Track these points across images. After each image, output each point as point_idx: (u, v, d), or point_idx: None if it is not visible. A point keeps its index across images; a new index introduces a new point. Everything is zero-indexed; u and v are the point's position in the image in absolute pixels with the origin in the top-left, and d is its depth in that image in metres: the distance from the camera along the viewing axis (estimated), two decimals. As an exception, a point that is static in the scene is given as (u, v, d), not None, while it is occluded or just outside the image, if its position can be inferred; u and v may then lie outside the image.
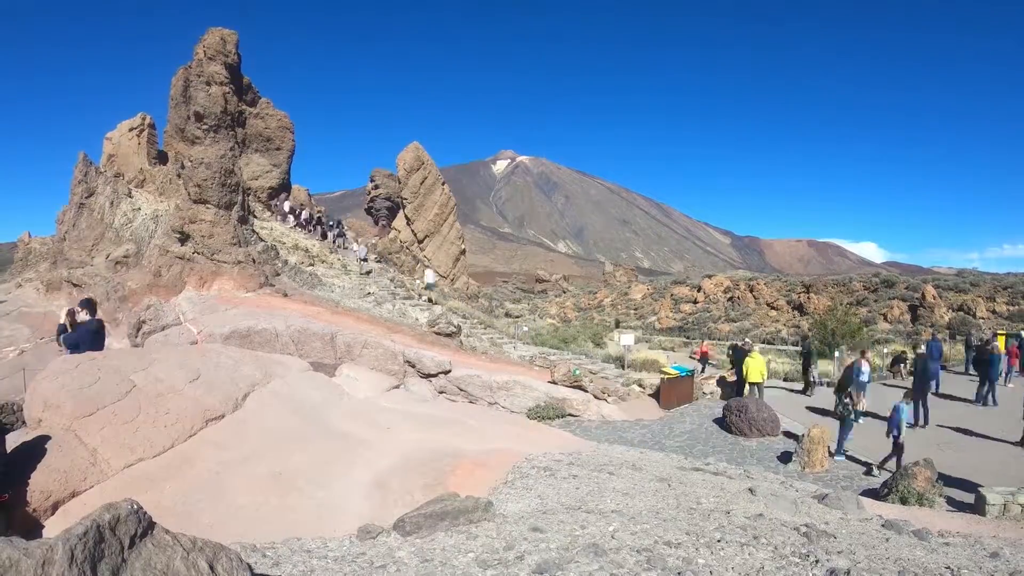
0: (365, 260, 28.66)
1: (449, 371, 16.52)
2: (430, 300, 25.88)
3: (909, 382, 17.39)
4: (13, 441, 5.24)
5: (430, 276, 30.85)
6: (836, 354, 24.55)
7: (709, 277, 61.99)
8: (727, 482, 6.66)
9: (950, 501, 8.57)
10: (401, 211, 39.91)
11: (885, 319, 42.21)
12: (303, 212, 34.18)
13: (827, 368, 23.71)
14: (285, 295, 20.86)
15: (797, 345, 35.55)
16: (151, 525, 2.26)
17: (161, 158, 32.79)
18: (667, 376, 17.86)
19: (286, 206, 33.17)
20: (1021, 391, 15.14)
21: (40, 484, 4.82)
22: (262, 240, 24.14)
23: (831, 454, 11.23)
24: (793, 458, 11.04)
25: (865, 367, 14.25)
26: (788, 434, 12.97)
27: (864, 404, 12.92)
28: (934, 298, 42.15)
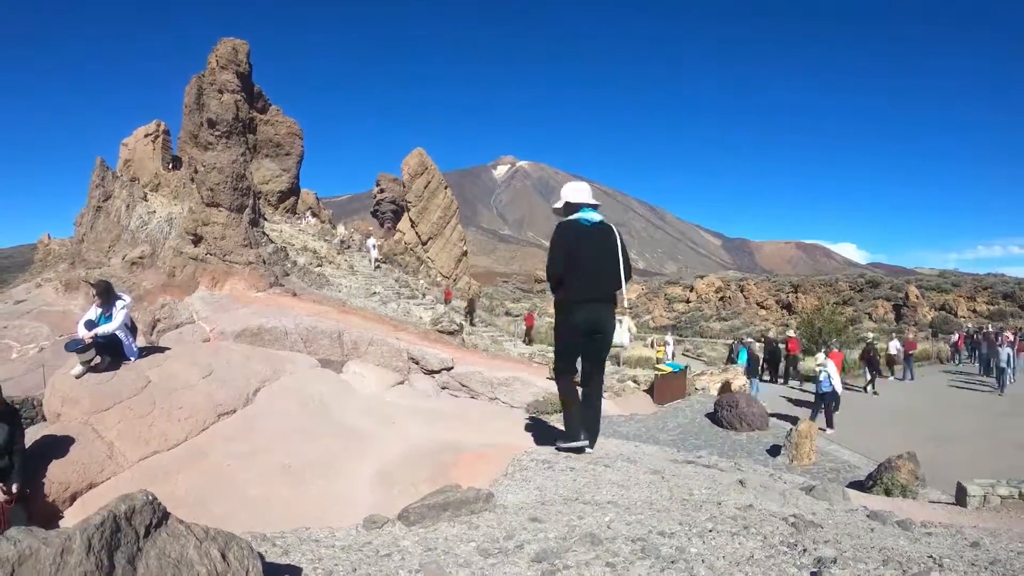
0: (377, 259, 28.32)
1: (452, 368, 16.52)
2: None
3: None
4: (33, 435, 5.25)
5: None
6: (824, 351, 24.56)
7: (701, 277, 62.03)
8: (718, 474, 6.66)
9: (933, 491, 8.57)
10: (406, 214, 39.92)
11: (870, 318, 42.24)
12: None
13: (813, 365, 23.73)
14: (294, 294, 20.85)
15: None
16: (165, 515, 2.26)
17: (175, 163, 32.79)
18: (661, 372, 17.86)
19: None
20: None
21: (59, 476, 4.82)
22: (272, 242, 24.14)
23: None
24: (782, 451, 11.04)
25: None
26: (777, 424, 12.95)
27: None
28: (917, 298, 42.18)
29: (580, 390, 5.26)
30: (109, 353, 5.97)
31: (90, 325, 5.86)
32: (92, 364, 5.86)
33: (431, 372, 16.25)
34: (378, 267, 28.18)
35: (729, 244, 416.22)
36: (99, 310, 5.94)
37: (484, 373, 16.39)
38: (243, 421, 6.02)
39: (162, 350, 6.94)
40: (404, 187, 39.60)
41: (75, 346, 5.80)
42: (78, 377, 5.74)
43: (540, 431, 7.65)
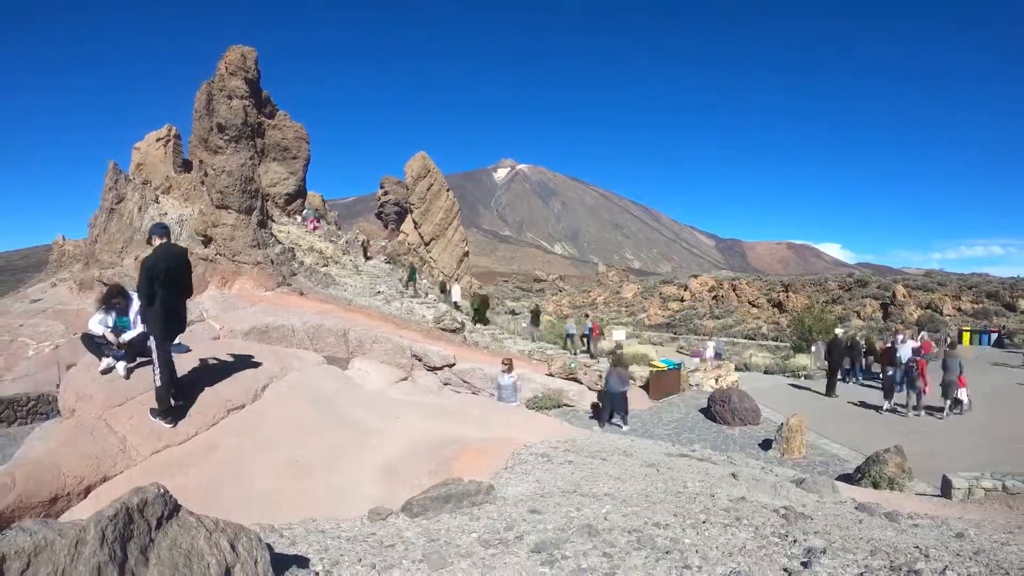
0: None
1: (453, 364, 16.51)
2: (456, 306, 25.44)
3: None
4: (49, 429, 5.24)
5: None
6: (813, 348, 24.59)
7: (695, 277, 61.99)
8: (711, 467, 6.66)
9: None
10: (409, 215, 39.88)
11: (859, 316, 42.19)
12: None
13: (805, 362, 23.73)
14: (301, 294, 20.84)
15: (777, 340, 35.57)
16: (176, 507, 2.26)
17: (186, 166, 32.76)
18: (656, 369, 17.85)
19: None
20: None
21: (73, 469, 4.82)
22: (280, 243, 24.12)
23: None
24: (773, 445, 11.04)
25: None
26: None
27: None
28: (904, 297, 42.15)
29: None
30: (138, 352, 5.99)
31: (112, 329, 5.84)
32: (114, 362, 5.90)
33: (434, 368, 16.25)
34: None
35: (722, 245, 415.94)
36: (114, 314, 5.88)
37: (485, 369, 16.37)
38: (252, 416, 6.02)
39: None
40: (407, 189, 39.53)
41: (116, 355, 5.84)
42: (104, 373, 5.75)
43: (539, 425, 7.65)
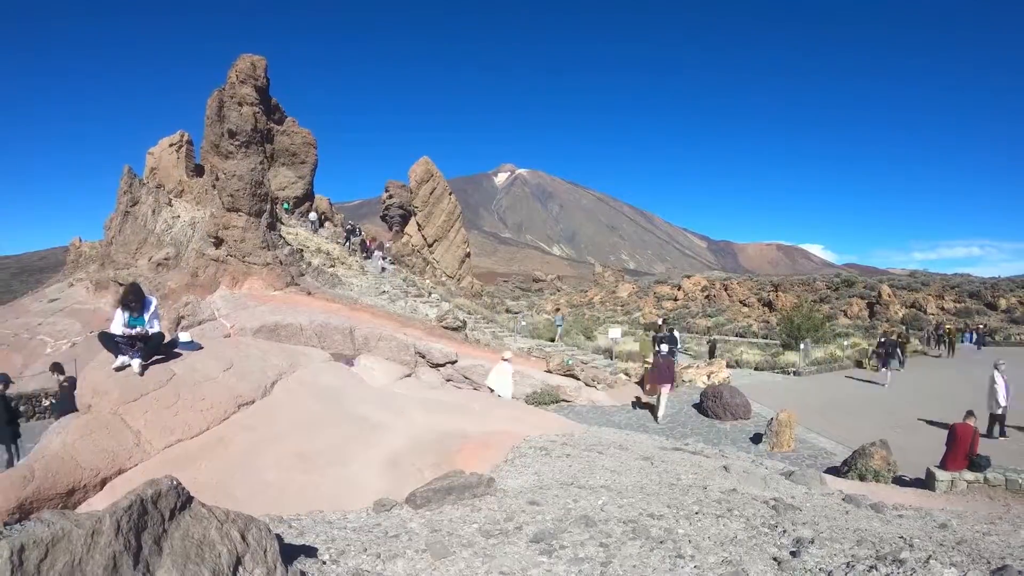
0: (383, 269, 27.90)
1: (455, 361, 16.51)
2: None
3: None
4: (66, 424, 5.24)
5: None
6: (802, 346, 24.57)
7: (688, 277, 61.96)
8: (704, 460, 6.66)
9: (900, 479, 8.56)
10: (413, 218, 39.82)
11: (845, 315, 42.18)
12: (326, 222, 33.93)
13: (793, 359, 23.70)
14: (309, 293, 20.83)
15: (767, 338, 35.53)
16: (189, 499, 2.26)
17: (198, 171, 32.74)
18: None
19: (312, 216, 33.01)
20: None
21: (90, 462, 4.81)
22: (288, 244, 24.10)
23: None
24: (763, 439, 11.03)
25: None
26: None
27: None
28: (889, 296, 42.13)
29: None
30: (154, 351, 5.99)
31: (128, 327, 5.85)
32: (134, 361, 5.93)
33: (436, 365, 16.24)
34: (383, 269, 27.92)
35: (714, 246, 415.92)
36: (129, 313, 5.87)
37: (486, 366, 16.35)
38: (261, 411, 6.02)
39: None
40: (411, 193, 39.47)
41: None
42: (118, 370, 5.74)
43: (538, 420, 7.65)
